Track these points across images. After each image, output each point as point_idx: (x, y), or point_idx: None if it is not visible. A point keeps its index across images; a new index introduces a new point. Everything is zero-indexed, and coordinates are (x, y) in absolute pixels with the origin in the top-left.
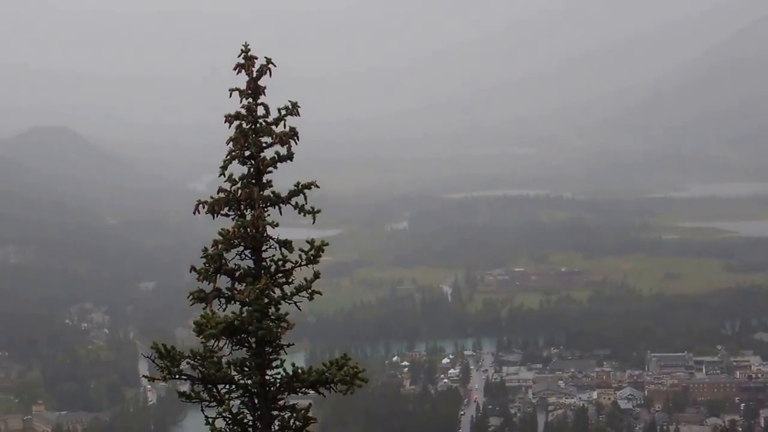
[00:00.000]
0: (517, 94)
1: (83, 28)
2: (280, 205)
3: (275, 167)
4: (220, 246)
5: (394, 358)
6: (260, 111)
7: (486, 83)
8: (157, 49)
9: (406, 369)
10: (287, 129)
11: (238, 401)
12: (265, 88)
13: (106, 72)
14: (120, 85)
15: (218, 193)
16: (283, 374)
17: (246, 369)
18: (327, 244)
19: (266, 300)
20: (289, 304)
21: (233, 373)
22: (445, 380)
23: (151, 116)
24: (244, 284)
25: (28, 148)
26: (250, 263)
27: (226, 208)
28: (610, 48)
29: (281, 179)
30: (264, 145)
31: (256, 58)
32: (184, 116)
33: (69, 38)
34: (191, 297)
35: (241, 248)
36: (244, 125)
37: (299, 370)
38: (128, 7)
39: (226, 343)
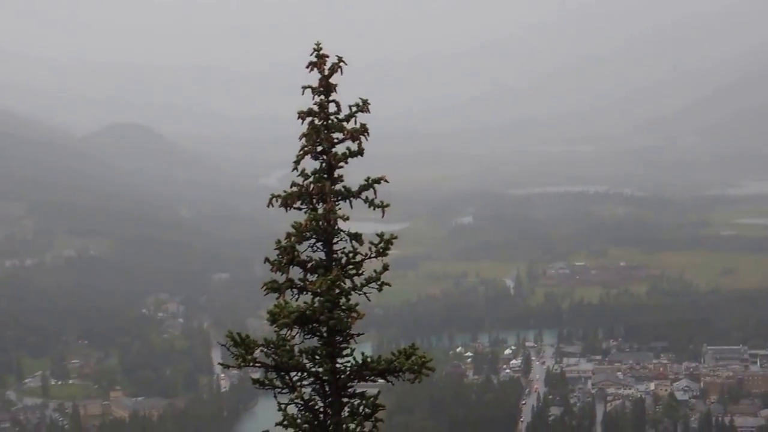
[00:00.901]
0: (576, 89)
1: (157, 21)
2: (351, 199)
3: (346, 162)
4: (292, 238)
5: (458, 349)
6: (332, 108)
7: (545, 77)
8: (230, 43)
9: (470, 359)
10: (358, 125)
11: (309, 388)
12: (336, 85)
13: (180, 63)
14: (193, 79)
15: (291, 187)
16: (353, 363)
17: (317, 357)
18: (396, 238)
19: (337, 291)
20: (359, 295)
21: (305, 361)
22: (507, 370)
23: (225, 110)
24: (316, 275)
25: (105, 143)
26: (322, 255)
27: (299, 202)
28: (669, 43)
29: (351, 174)
30: (335, 140)
31: (328, 57)
32: (256, 112)
33: (142, 31)
34: (265, 287)
35: (313, 240)
36: (317, 121)
37: (368, 359)
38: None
39: (298, 332)
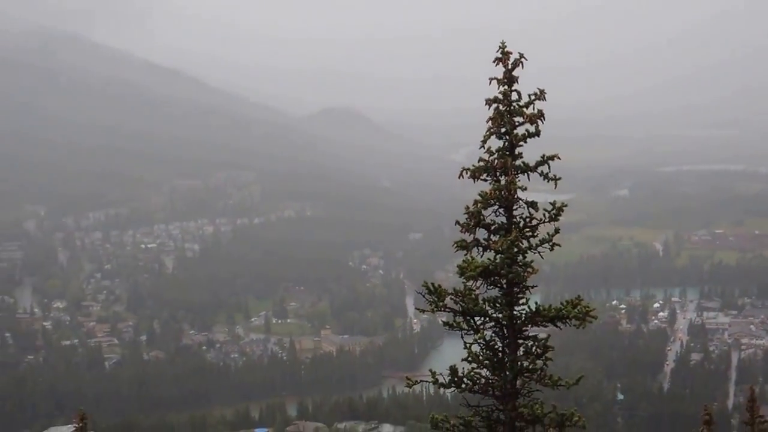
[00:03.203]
0: (711, 79)
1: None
2: (529, 173)
3: (525, 142)
4: (479, 205)
5: (614, 302)
6: (514, 96)
7: (682, 71)
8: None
9: (623, 311)
10: (536, 111)
11: (490, 331)
12: (518, 77)
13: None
14: (396, 81)
15: (478, 162)
16: (528, 310)
17: (498, 305)
18: (566, 205)
19: (516, 250)
20: (534, 253)
21: (487, 308)
22: (656, 321)
23: (419, 101)
24: (498, 236)
25: (321, 123)
26: (503, 219)
27: (485, 174)
28: None
29: (529, 152)
30: (516, 123)
31: (511, 53)
32: (446, 100)
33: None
34: (455, 245)
35: (496, 207)
36: (501, 107)
37: (540, 307)
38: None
39: (482, 284)
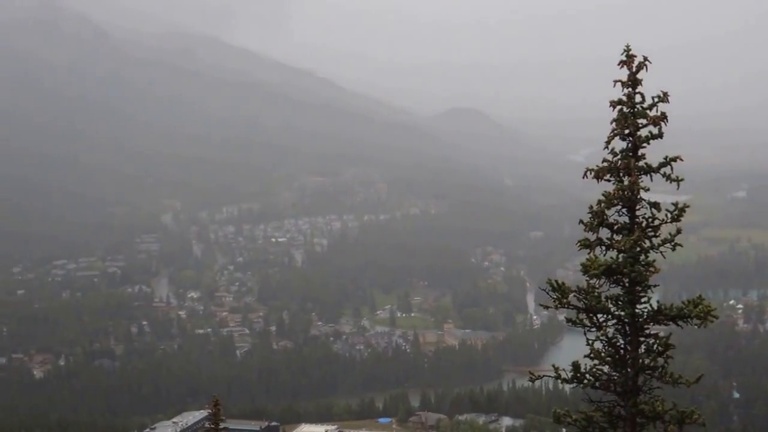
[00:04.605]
0: None
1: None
2: (651, 173)
3: (648, 143)
4: (602, 204)
5: (731, 302)
6: (637, 98)
7: None
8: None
9: (740, 311)
10: (659, 113)
11: (612, 328)
12: (642, 80)
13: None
14: (520, 71)
15: (602, 162)
16: (649, 309)
17: (620, 303)
18: (689, 206)
19: (638, 249)
20: (656, 253)
21: (610, 305)
22: None
23: (544, 98)
24: (621, 236)
25: (446, 124)
26: (626, 219)
27: (608, 175)
28: None
29: (650, 152)
30: (640, 125)
31: (636, 56)
32: (571, 99)
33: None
34: (579, 244)
35: (619, 207)
36: (625, 109)
37: (663, 306)
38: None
39: (605, 282)
